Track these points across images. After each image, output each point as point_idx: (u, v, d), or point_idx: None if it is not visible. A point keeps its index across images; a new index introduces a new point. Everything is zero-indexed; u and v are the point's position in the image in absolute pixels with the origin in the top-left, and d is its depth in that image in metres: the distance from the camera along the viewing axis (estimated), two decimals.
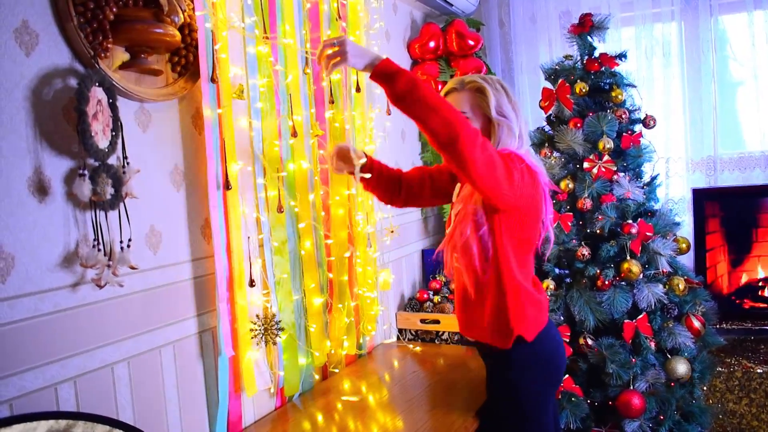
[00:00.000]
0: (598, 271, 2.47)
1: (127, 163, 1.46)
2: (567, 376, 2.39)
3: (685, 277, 2.52)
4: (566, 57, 2.76)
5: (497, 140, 1.64)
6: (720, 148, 3.25)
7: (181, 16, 1.60)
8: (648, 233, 2.46)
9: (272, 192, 1.96)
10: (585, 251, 2.48)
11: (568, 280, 2.58)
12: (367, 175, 1.79)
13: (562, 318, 2.51)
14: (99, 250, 1.40)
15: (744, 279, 3.17)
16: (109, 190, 1.40)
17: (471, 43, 3.10)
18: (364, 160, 1.78)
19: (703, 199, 3.17)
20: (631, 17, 3.32)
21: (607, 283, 2.44)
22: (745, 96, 3.23)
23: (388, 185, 1.86)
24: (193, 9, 1.68)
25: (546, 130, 2.78)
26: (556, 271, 2.58)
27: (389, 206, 1.99)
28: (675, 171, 3.28)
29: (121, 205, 1.45)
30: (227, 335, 1.79)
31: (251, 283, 1.83)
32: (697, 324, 2.46)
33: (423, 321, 2.77)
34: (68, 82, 1.40)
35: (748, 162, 3.22)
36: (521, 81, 3.57)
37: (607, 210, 2.49)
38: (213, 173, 1.74)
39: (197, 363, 1.77)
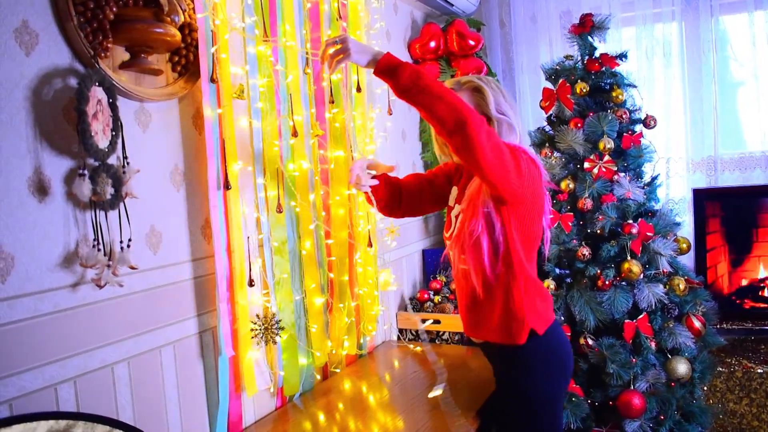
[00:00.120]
0: (599, 271, 2.46)
1: (127, 163, 1.46)
2: None
3: (686, 277, 2.52)
4: (567, 57, 2.76)
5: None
6: (720, 149, 3.25)
7: (181, 15, 1.60)
8: (648, 233, 2.46)
9: (272, 192, 1.96)
10: (585, 251, 2.48)
11: (568, 280, 2.58)
12: (375, 182, 1.78)
13: (562, 318, 2.51)
14: (99, 250, 1.40)
15: (744, 279, 3.17)
16: (109, 190, 1.40)
17: (471, 43, 3.10)
18: (376, 182, 1.78)
19: (703, 199, 3.16)
20: (632, 17, 3.32)
21: (607, 283, 2.44)
22: (746, 96, 3.23)
23: (391, 196, 1.84)
24: (194, 9, 1.68)
25: (546, 130, 2.78)
26: (557, 271, 2.58)
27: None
28: (675, 171, 3.28)
29: (121, 205, 1.45)
30: (227, 335, 1.79)
31: (250, 283, 1.83)
32: (697, 324, 2.46)
33: (423, 321, 2.77)
34: (68, 81, 1.40)
35: (749, 162, 3.22)
36: (522, 81, 3.57)
37: (607, 210, 2.49)
38: (213, 173, 1.74)
39: (197, 363, 1.77)
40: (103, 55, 1.42)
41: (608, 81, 2.66)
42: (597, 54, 2.68)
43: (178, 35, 1.57)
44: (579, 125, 2.59)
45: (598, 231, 2.50)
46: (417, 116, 3.15)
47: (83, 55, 1.40)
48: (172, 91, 1.66)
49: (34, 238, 1.33)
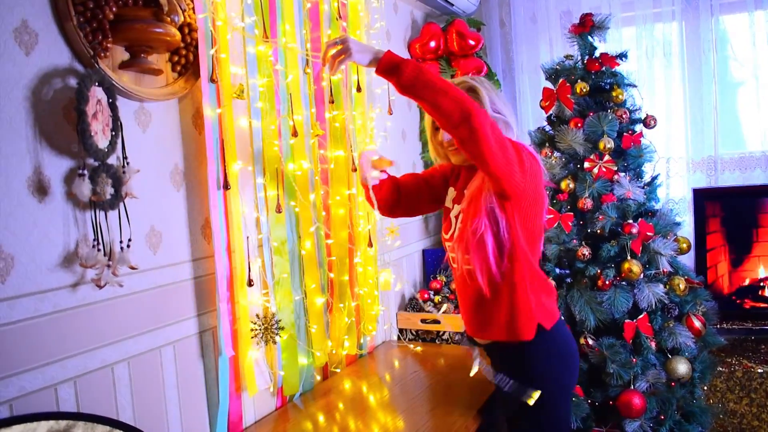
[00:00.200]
0: (599, 271, 2.46)
1: (127, 163, 1.46)
2: None
3: (686, 277, 2.52)
4: (567, 57, 2.76)
5: None
6: (720, 148, 3.24)
7: (181, 15, 1.60)
8: (648, 233, 2.46)
9: (272, 192, 1.96)
10: (586, 251, 2.48)
11: (568, 280, 2.58)
12: (383, 175, 1.80)
13: (562, 318, 2.51)
14: (99, 250, 1.40)
15: (745, 279, 3.17)
16: (109, 190, 1.40)
17: (471, 42, 3.09)
18: (384, 176, 1.81)
19: (703, 199, 3.16)
20: (632, 17, 3.32)
21: (607, 283, 2.44)
22: (746, 96, 3.23)
23: (390, 195, 1.85)
24: (193, 9, 1.68)
25: (547, 129, 2.78)
26: (557, 271, 2.58)
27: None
28: (675, 171, 3.28)
29: (121, 205, 1.45)
30: (227, 335, 1.79)
31: (250, 283, 1.83)
32: (697, 324, 2.46)
33: (423, 321, 2.77)
34: (68, 81, 1.40)
35: (749, 162, 3.22)
36: (522, 81, 3.57)
37: (607, 210, 2.48)
38: (213, 173, 1.74)
39: (197, 363, 1.77)
40: (102, 54, 1.42)
41: (608, 81, 2.66)
42: (597, 54, 2.68)
43: (178, 35, 1.57)
44: (579, 125, 2.59)
45: (599, 231, 2.50)
46: (417, 116, 3.15)
47: (83, 54, 1.40)
48: (172, 90, 1.65)
49: (33, 238, 1.33)
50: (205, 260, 1.79)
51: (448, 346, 2.70)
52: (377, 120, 2.62)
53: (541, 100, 2.77)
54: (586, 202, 2.51)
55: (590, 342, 2.44)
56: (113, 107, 1.42)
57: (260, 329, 1.88)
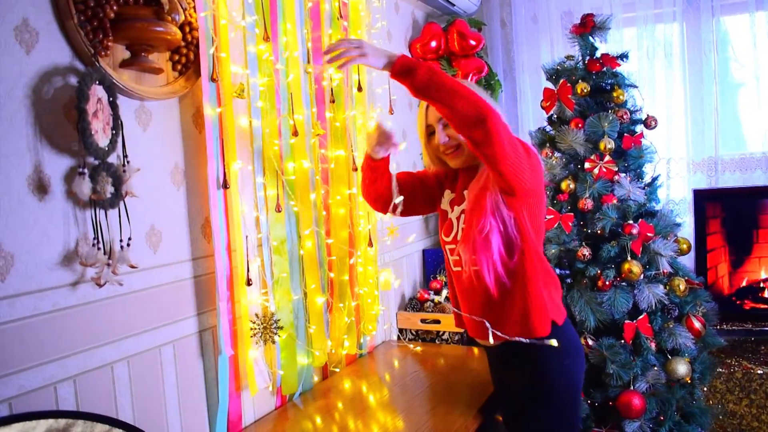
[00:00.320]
0: (599, 272, 2.46)
1: (128, 162, 1.46)
2: None
3: (686, 278, 2.51)
4: (568, 57, 2.76)
5: None
6: (721, 149, 3.24)
7: (182, 14, 1.60)
8: (649, 234, 2.46)
9: (272, 191, 1.95)
10: (586, 251, 2.48)
11: (568, 280, 2.58)
12: (387, 153, 1.79)
13: None
14: (99, 248, 1.40)
15: (745, 280, 3.17)
16: (109, 189, 1.40)
17: (472, 43, 3.09)
18: (389, 152, 1.81)
19: (704, 200, 3.16)
20: (633, 18, 3.32)
21: (607, 283, 2.43)
22: (747, 97, 3.23)
23: (387, 189, 1.84)
24: (194, 7, 1.68)
25: (547, 130, 2.78)
26: (557, 271, 2.58)
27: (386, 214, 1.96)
28: (676, 172, 3.28)
29: (121, 203, 1.45)
30: (227, 334, 1.79)
31: (248, 282, 1.83)
32: (697, 325, 2.46)
33: (423, 321, 2.77)
34: (68, 80, 1.40)
35: (749, 163, 3.22)
36: (522, 81, 3.57)
37: (608, 210, 2.48)
38: (213, 172, 1.74)
39: (197, 362, 1.77)
40: (103, 53, 1.42)
41: (609, 81, 2.66)
42: (598, 54, 2.68)
43: (179, 34, 1.57)
44: (580, 125, 2.59)
45: (599, 231, 2.50)
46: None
47: (83, 53, 1.40)
48: (173, 89, 1.65)
49: (33, 236, 1.33)
50: (205, 259, 1.79)
51: (448, 346, 2.70)
52: (378, 119, 2.61)
53: (541, 101, 2.76)
54: (587, 203, 2.51)
55: (590, 342, 2.43)
56: (114, 106, 1.42)
57: (259, 329, 1.88)
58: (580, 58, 2.70)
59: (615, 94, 2.61)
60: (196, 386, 1.77)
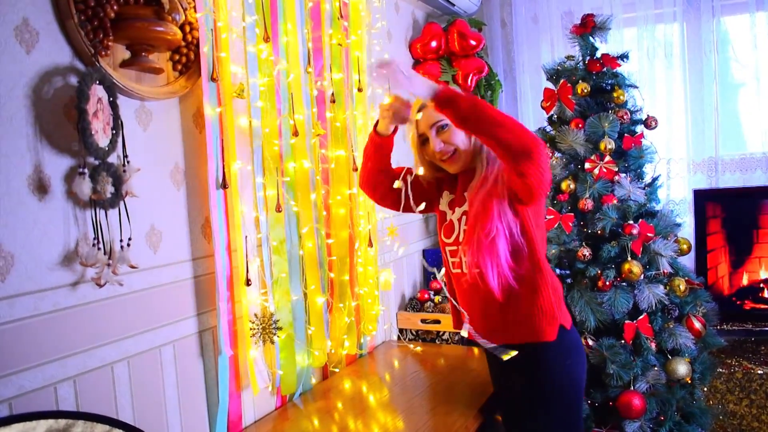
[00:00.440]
0: (599, 272, 2.46)
1: (128, 162, 1.46)
2: None
3: (686, 278, 2.51)
4: (568, 57, 2.76)
5: None
6: (721, 150, 3.24)
7: (182, 14, 1.60)
8: (649, 234, 2.46)
9: (271, 191, 1.95)
10: (586, 252, 2.48)
11: (569, 280, 2.58)
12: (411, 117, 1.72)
13: None
14: (99, 248, 1.40)
15: (745, 280, 3.17)
16: (110, 189, 1.39)
17: (473, 43, 3.09)
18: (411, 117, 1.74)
19: (704, 200, 3.16)
20: (633, 18, 3.32)
21: (608, 283, 2.43)
22: (747, 97, 3.23)
23: (386, 171, 1.84)
24: (194, 7, 1.67)
25: (547, 130, 2.78)
26: (557, 271, 2.58)
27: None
28: (676, 172, 3.28)
29: (122, 203, 1.45)
30: (227, 334, 1.78)
31: (248, 282, 1.83)
32: (697, 325, 2.45)
33: (423, 321, 2.77)
34: (69, 80, 1.39)
35: (750, 163, 3.22)
36: (523, 81, 3.57)
37: (608, 211, 2.48)
38: (213, 172, 1.73)
39: (197, 362, 1.77)
40: (103, 53, 1.42)
41: (609, 81, 2.65)
42: (598, 54, 2.67)
43: (179, 34, 1.57)
44: (580, 126, 2.59)
45: (599, 231, 2.50)
46: None
47: (84, 53, 1.40)
48: (173, 89, 1.65)
49: (33, 236, 1.33)
50: (205, 259, 1.79)
51: (448, 346, 2.70)
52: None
53: (542, 101, 2.76)
54: (587, 203, 2.51)
55: (590, 343, 2.43)
56: (114, 106, 1.41)
57: (258, 329, 1.88)
58: (581, 58, 2.69)
59: (615, 95, 2.61)
60: (196, 386, 1.77)
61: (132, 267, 1.47)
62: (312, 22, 2.18)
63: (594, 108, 2.63)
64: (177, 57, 1.66)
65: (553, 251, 2.54)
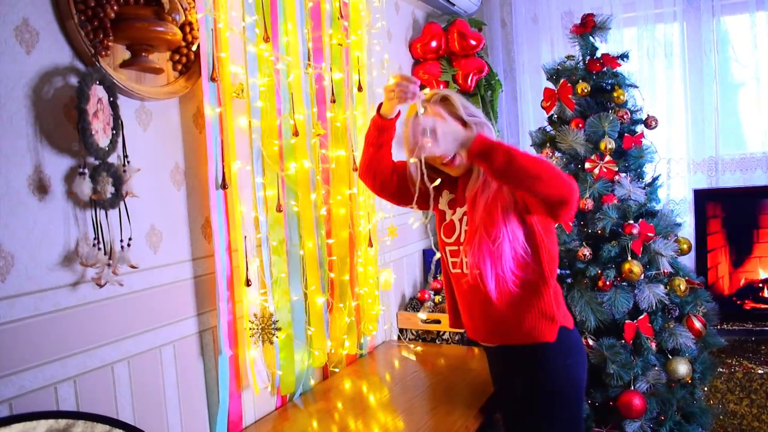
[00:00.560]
0: (599, 272, 2.46)
1: (128, 162, 1.46)
2: None
3: (686, 278, 2.51)
4: (568, 57, 2.75)
5: None
6: (721, 149, 3.24)
7: (182, 14, 1.60)
8: (649, 234, 2.46)
9: (271, 191, 1.95)
10: (586, 251, 2.48)
11: (569, 280, 2.58)
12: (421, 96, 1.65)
13: None
14: (99, 249, 1.40)
15: (745, 280, 3.17)
16: (110, 189, 1.39)
17: (473, 42, 3.09)
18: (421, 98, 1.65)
19: (704, 199, 3.16)
20: (633, 18, 3.31)
21: (608, 283, 2.43)
22: (747, 97, 3.23)
23: (386, 160, 1.81)
24: (194, 7, 1.67)
25: (547, 130, 2.78)
26: (558, 271, 2.58)
27: (389, 206, 1.95)
28: (676, 172, 3.28)
29: (122, 203, 1.44)
30: (227, 334, 1.78)
31: (247, 283, 1.83)
32: (698, 325, 2.45)
33: (424, 321, 2.77)
34: (69, 80, 1.39)
35: (750, 163, 3.21)
36: (523, 81, 3.57)
37: (608, 210, 2.48)
38: (213, 172, 1.73)
39: (197, 362, 1.77)
40: (103, 53, 1.42)
41: (609, 81, 2.65)
42: (598, 54, 2.67)
43: (179, 34, 1.57)
44: (580, 125, 2.59)
45: (599, 231, 2.50)
46: None
47: (84, 53, 1.40)
48: (173, 89, 1.65)
49: (34, 236, 1.33)
50: (205, 259, 1.79)
51: (448, 346, 2.70)
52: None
53: (542, 101, 2.76)
54: (587, 203, 2.51)
55: (590, 342, 2.43)
56: (114, 106, 1.41)
57: (257, 329, 1.88)
58: (581, 58, 2.69)
59: (615, 94, 2.60)
60: (196, 386, 1.77)
61: (132, 267, 1.47)
62: (312, 22, 2.18)
63: (594, 108, 2.63)
64: (177, 57, 1.67)
65: None
